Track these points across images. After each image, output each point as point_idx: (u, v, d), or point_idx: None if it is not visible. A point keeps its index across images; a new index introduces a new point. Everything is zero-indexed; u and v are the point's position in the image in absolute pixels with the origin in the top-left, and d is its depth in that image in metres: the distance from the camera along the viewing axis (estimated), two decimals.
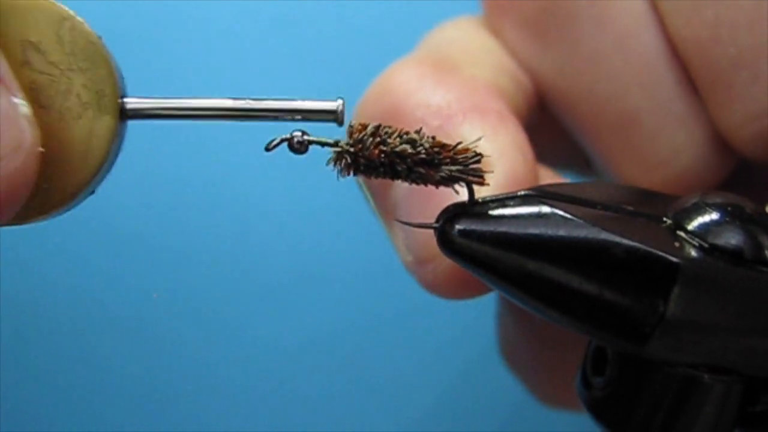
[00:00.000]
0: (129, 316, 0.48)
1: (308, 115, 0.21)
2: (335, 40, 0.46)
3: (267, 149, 0.21)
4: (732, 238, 0.21)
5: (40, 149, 0.20)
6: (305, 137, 0.21)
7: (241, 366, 0.48)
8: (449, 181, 0.20)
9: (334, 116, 0.21)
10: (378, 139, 0.20)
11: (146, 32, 0.47)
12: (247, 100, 0.21)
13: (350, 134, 0.21)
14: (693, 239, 0.21)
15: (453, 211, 0.21)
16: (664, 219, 0.22)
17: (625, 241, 0.20)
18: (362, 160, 0.20)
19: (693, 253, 0.21)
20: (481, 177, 0.21)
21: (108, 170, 0.22)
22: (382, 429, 0.45)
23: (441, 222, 0.21)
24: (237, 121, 0.21)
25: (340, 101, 0.21)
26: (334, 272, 0.47)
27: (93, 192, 0.22)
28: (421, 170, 0.20)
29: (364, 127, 0.20)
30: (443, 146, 0.20)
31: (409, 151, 0.20)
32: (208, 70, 0.47)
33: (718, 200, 0.22)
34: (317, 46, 0.47)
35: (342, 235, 0.45)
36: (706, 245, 0.21)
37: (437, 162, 0.20)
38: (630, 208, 0.22)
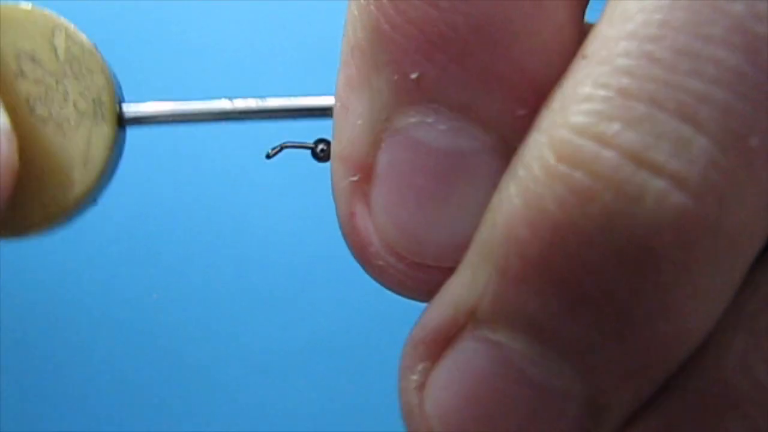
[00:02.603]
0: (129, 316, 0.48)
1: (309, 112, 0.21)
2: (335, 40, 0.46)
3: (268, 157, 0.21)
4: None
5: (16, 164, 0.19)
6: (328, 147, 0.21)
7: (241, 366, 0.48)
8: None
9: (332, 111, 0.21)
10: None
11: (142, 33, 0.47)
12: (249, 101, 0.21)
13: None
14: None
15: None
16: None
17: None
18: None
19: None
20: None
21: (109, 179, 0.21)
22: (382, 429, 0.45)
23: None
24: (240, 122, 0.21)
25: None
26: (334, 272, 0.47)
27: (95, 201, 0.21)
28: None
29: None
30: None
31: None
32: (206, 70, 0.47)
33: None
34: (317, 46, 0.47)
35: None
36: None
37: None
38: None
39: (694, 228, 0.15)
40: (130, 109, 0.21)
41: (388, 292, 0.19)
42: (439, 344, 0.17)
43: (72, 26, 0.21)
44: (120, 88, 0.21)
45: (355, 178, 0.18)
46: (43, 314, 0.47)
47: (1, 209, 0.20)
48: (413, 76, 0.17)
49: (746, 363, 0.16)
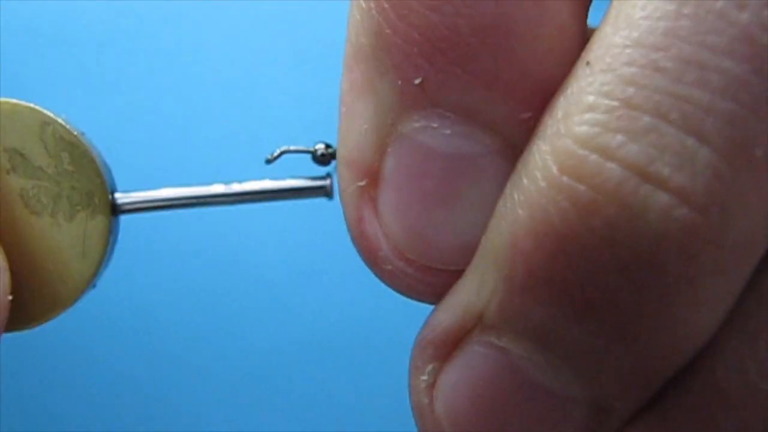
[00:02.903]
0: (128, 315, 0.48)
1: (299, 193, 0.21)
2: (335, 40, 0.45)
3: (268, 162, 0.21)
4: None
5: (9, 298, 0.20)
6: (329, 150, 0.21)
7: (241, 366, 0.48)
8: None
9: (324, 192, 0.21)
10: None
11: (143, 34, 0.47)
12: (238, 185, 0.21)
13: None
14: None
15: None
16: None
17: None
18: None
19: None
20: None
21: (107, 265, 0.22)
22: (383, 429, 0.46)
23: None
24: (229, 206, 0.21)
25: (329, 180, 0.21)
26: (334, 272, 0.47)
27: (94, 286, 0.22)
28: None
29: None
30: None
31: None
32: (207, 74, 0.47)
33: None
34: (319, 46, 0.47)
35: (344, 235, 0.45)
36: None
37: None
38: None
39: (698, 241, 0.15)
40: (124, 198, 0.21)
41: (388, 293, 0.19)
42: (447, 346, 0.18)
43: (60, 119, 0.21)
44: (112, 176, 0.21)
45: (362, 183, 0.18)
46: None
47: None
48: (417, 81, 0.16)
49: (740, 365, 0.16)
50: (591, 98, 0.15)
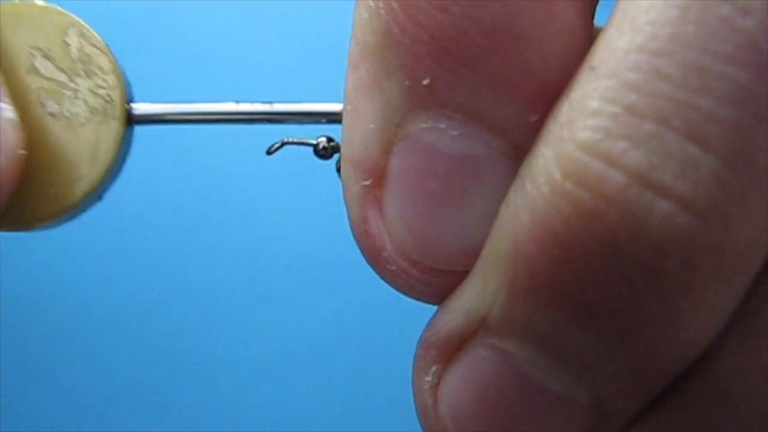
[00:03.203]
0: (128, 315, 0.48)
1: (315, 117, 0.21)
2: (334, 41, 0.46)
3: (268, 153, 0.21)
4: None
5: (21, 152, 0.20)
6: (331, 143, 0.21)
7: (241, 365, 0.48)
8: None
9: (336, 118, 0.21)
10: None
11: (153, 36, 0.47)
12: (254, 104, 0.21)
13: None
14: None
15: None
16: None
17: None
18: None
19: None
20: None
21: (116, 176, 0.22)
22: (383, 429, 0.45)
23: None
24: (244, 124, 0.22)
25: (341, 107, 0.21)
26: (334, 271, 0.47)
27: (100, 198, 0.22)
28: None
29: None
30: None
31: None
32: (213, 70, 0.47)
33: None
34: (320, 45, 0.47)
35: (344, 234, 0.45)
36: None
37: None
38: None
39: (700, 249, 0.15)
40: (140, 108, 0.21)
41: (388, 293, 0.19)
42: (451, 348, 0.18)
43: (86, 25, 0.21)
44: (130, 87, 0.22)
45: (367, 183, 0.18)
46: (42, 313, 0.48)
47: (5, 201, 0.20)
48: (425, 81, 0.16)
49: (741, 367, 0.16)
50: (594, 104, 0.15)
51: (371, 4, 0.17)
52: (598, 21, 0.17)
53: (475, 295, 0.17)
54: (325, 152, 0.21)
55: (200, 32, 0.49)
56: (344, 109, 0.18)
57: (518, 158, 0.17)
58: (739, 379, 0.16)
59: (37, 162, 0.21)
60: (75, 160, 0.21)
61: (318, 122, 0.21)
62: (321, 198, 0.45)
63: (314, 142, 0.21)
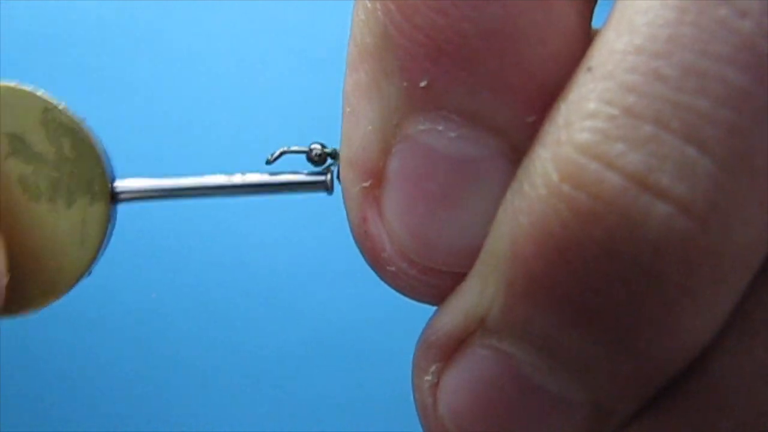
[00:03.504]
0: (128, 315, 0.48)
1: (300, 187, 0.21)
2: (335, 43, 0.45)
3: (268, 163, 0.21)
4: None
5: (5, 280, 0.20)
6: (324, 150, 0.21)
7: (241, 365, 0.48)
8: None
9: (324, 186, 0.21)
10: None
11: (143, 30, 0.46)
12: (239, 176, 0.21)
13: None
14: None
15: None
16: None
17: None
18: None
19: None
20: None
21: (104, 251, 0.22)
22: (384, 429, 0.46)
23: None
24: (229, 197, 0.21)
25: (329, 174, 0.21)
26: (335, 271, 0.47)
27: (90, 273, 0.22)
28: None
29: None
30: None
31: None
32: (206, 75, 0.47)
33: None
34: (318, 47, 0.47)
35: (344, 234, 0.45)
36: None
37: None
38: None
39: (697, 251, 0.15)
40: (123, 186, 0.21)
41: (389, 293, 0.19)
42: (450, 347, 0.18)
43: (62, 105, 0.21)
44: (111, 164, 0.21)
45: (366, 184, 0.18)
46: (41, 312, 0.48)
47: None
48: (422, 83, 0.16)
49: (738, 366, 0.16)
50: (592, 105, 0.15)
51: (369, 5, 0.17)
52: (596, 22, 0.17)
53: (474, 296, 0.17)
54: (319, 158, 0.21)
55: (196, 34, 0.48)
56: (343, 110, 0.18)
57: (516, 159, 0.17)
58: (736, 377, 0.16)
59: (24, 249, 0.21)
60: (62, 244, 0.21)
61: (312, 191, 0.21)
62: (321, 198, 0.45)
63: (308, 149, 0.21)
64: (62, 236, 0.21)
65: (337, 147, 0.21)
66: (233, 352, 0.48)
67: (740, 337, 0.16)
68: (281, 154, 0.21)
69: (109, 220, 0.21)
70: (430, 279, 0.18)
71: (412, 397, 0.19)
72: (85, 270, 0.21)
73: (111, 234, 0.22)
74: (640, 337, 0.16)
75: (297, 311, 0.48)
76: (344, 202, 0.19)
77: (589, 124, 0.15)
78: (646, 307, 0.15)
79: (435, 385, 0.18)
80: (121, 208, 0.22)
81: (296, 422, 0.47)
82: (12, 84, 0.21)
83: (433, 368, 0.18)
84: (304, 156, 0.22)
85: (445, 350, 0.18)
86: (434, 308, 0.19)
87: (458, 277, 0.18)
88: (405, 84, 0.17)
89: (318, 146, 0.21)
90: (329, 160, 0.21)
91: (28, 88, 0.21)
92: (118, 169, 0.22)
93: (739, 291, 0.16)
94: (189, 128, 0.46)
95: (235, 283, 0.48)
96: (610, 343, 0.16)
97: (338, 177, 0.21)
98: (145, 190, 0.21)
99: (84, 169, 0.21)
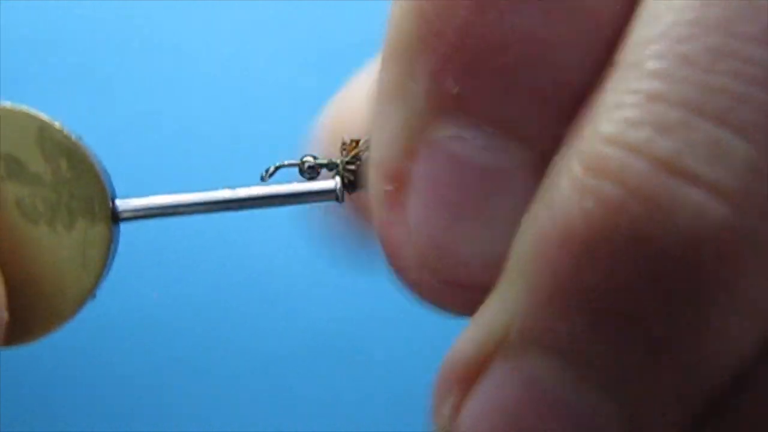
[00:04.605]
0: (128, 315, 0.48)
1: (307, 197, 0.21)
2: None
3: (262, 179, 0.21)
4: None
5: (5, 314, 0.19)
6: (316, 162, 0.21)
7: (241, 365, 0.48)
8: None
9: (334, 195, 0.21)
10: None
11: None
12: (244, 189, 0.21)
13: (347, 151, 0.20)
14: None
15: None
16: None
17: None
18: (362, 176, 0.20)
19: None
20: None
21: (107, 274, 0.21)
22: (384, 429, 0.45)
23: None
24: (235, 212, 0.21)
25: (338, 179, 0.20)
26: (335, 271, 0.46)
27: (95, 297, 0.21)
28: None
29: (357, 142, 0.20)
30: None
31: None
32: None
33: None
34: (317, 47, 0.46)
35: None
36: None
37: None
38: None
39: (735, 241, 0.14)
40: (125, 206, 0.20)
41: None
42: (471, 372, 0.17)
43: (57, 124, 0.20)
44: (111, 183, 0.21)
45: (389, 188, 0.17)
46: None
47: None
48: (453, 89, 0.16)
49: None
50: (615, 96, 0.14)
51: (404, 5, 0.16)
52: None
53: (496, 312, 0.16)
54: (311, 171, 0.21)
55: (195, 38, 0.48)
56: (372, 110, 0.18)
57: (544, 170, 0.16)
58: None
59: (25, 275, 0.20)
60: (64, 267, 0.20)
61: (321, 201, 0.20)
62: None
63: (300, 161, 0.21)
64: (63, 260, 0.20)
65: (335, 159, 0.20)
66: (233, 352, 0.48)
67: None
68: (276, 169, 0.21)
69: (111, 240, 0.20)
70: (452, 291, 0.17)
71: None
72: (89, 294, 0.20)
73: (114, 255, 0.21)
74: (673, 342, 0.14)
75: (297, 311, 0.48)
76: (370, 204, 0.18)
77: (614, 115, 0.14)
78: (679, 305, 0.14)
79: (456, 409, 0.17)
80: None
81: (296, 422, 0.47)
82: (6, 105, 0.20)
83: (453, 394, 0.17)
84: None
85: (465, 375, 0.17)
86: (439, 313, 0.18)
87: (481, 291, 0.17)
88: (434, 87, 0.16)
89: (310, 158, 0.21)
90: (323, 171, 0.21)
91: (22, 108, 0.20)
92: (115, 177, 0.21)
93: None
94: (187, 135, 0.46)
95: (235, 283, 0.48)
96: (640, 350, 0.15)
97: (345, 185, 0.20)
98: (148, 208, 0.20)
99: (83, 189, 0.20)
